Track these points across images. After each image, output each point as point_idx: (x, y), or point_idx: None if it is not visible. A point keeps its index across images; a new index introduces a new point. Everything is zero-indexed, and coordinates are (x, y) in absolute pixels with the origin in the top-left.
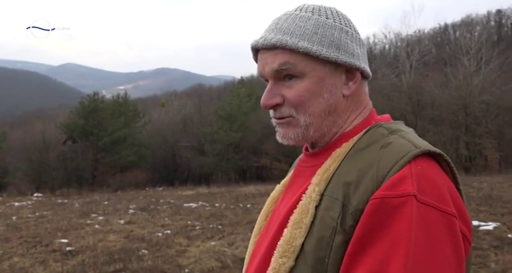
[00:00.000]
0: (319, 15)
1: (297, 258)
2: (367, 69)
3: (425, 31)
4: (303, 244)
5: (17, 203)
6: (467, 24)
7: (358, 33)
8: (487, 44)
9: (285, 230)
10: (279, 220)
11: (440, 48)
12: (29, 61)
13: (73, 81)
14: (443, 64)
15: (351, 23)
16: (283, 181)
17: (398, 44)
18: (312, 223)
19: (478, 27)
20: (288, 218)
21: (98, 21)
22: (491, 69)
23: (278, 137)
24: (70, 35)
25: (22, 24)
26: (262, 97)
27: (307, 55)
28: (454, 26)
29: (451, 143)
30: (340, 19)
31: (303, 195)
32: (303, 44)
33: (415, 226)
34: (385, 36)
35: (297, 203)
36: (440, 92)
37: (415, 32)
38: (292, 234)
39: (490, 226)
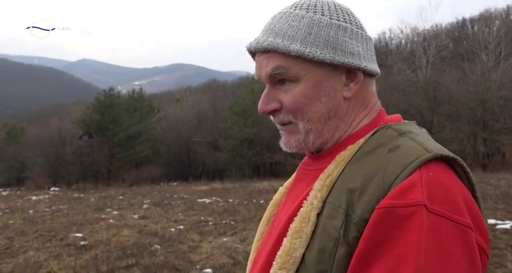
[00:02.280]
0: (315, 12)
1: (297, 270)
2: (373, 66)
3: (443, 26)
4: (303, 255)
5: (34, 197)
6: (486, 18)
7: (360, 28)
8: (506, 38)
9: (285, 239)
10: (279, 227)
11: (457, 43)
12: (46, 57)
13: (89, 77)
14: (460, 60)
15: (352, 17)
16: (286, 183)
17: (415, 38)
18: (314, 232)
19: (496, 22)
20: (288, 226)
21: (114, 18)
22: (510, 64)
23: (281, 145)
24: (87, 32)
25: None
26: (259, 102)
27: (301, 58)
28: (472, 21)
29: (468, 139)
30: (338, 15)
31: (304, 201)
32: (295, 47)
33: (425, 239)
34: (402, 31)
35: (298, 210)
36: (457, 88)
37: (432, 26)
38: (292, 245)
39: (508, 224)
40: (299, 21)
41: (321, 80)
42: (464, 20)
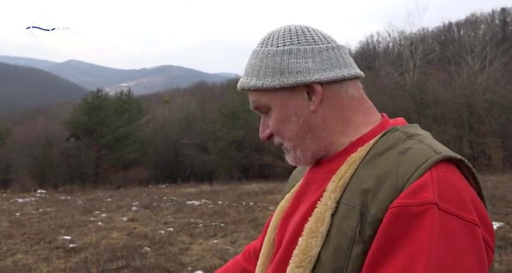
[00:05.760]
0: (267, 45)
1: (313, 269)
2: (330, 74)
3: (430, 29)
4: (319, 254)
5: (20, 200)
6: (472, 22)
7: (312, 43)
8: (492, 42)
9: (300, 239)
10: (292, 228)
11: (444, 46)
12: (31, 57)
13: (76, 78)
14: (447, 63)
15: (302, 36)
16: (292, 190)
17: (402, 42)
18: (329, 231)
19: (482, 26)
20: (302, 227)
21: (102, 18)
22: (496, 67)
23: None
24: (74, 32)
25: (25, 20)
26: (259, 131)
27: (262, 89)
28: (459, 25)
29: (455, 142)
30: (284, 40)
31: (318, 202)
32: (252, 82)
33: (437, 236)
34: (389, 35)
35: (312, 211)
36: (443, 91)
37: (419, 30)
38: (308, 244)
39: (494, 225)
40: (255, 57)
41: (285, 103)
42: (450, 24)
